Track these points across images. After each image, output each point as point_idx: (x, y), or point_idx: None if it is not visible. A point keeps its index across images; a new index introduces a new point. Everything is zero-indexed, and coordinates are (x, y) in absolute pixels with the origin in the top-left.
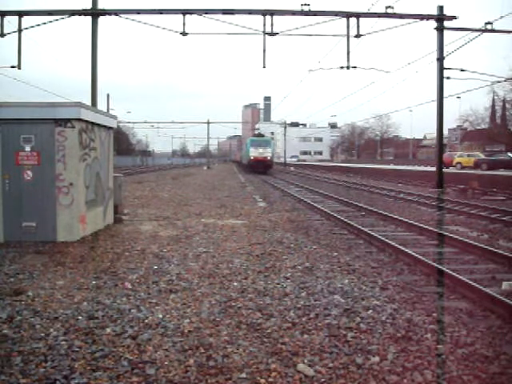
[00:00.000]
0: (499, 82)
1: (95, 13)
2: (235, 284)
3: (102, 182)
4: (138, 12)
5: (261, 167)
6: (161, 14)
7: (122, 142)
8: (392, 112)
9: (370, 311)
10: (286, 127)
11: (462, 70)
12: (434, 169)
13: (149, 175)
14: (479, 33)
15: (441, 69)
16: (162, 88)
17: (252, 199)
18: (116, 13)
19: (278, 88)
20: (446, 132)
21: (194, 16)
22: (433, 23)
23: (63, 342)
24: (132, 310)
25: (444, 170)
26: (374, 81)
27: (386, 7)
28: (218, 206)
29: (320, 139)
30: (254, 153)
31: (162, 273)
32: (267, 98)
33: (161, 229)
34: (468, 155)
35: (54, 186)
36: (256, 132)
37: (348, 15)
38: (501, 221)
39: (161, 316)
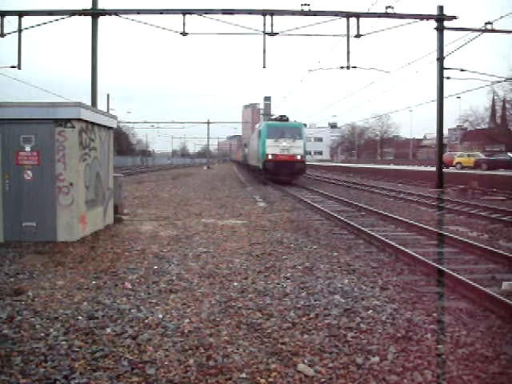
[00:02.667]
0: (499, 81)
1: (95, 13)
2: (235, 284)
3: (102, 181)
4: (138, 12)
5: (285, 173)
6: (161, 14)
7: (122, 141)
8: (392, 112)
9: (370, 311)
10: None
11: (462, 70)
12: (433, 169)
13: (149, 175)
14: (479, 33)
15: (441, 69)
16: (162, 88)
17: (252, 199)
18: (116, 13)
19: (278, 88)
20: (446, 132)
21: (194, 16)
22: (433, 23)
23: (63, 342)
24: (132, 310)
25: (444, 169)
26: (373, 81)
27: (386, 7)
28: (218, 206)
29: (320, 139)
30: (274, 148)
31: (162, 273)
32: (267, 98)
33: (161, 229)
34: (468, 155)
35: (54, 185)
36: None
37: (348, 15)
38: (501, 221)
39: (161, 316)
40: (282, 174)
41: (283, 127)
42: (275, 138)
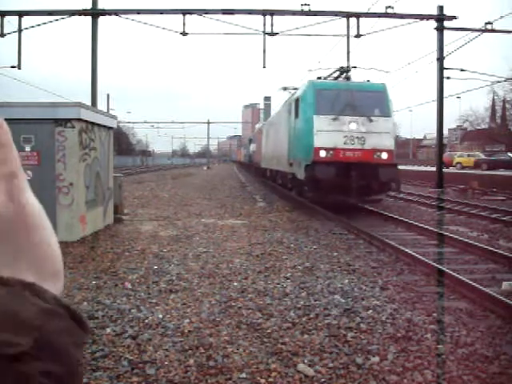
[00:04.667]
0: (499, 81)
1: (95, 13)
2: (235, 284)
3: (102, 181)
4: (138, 12)
5: (355, 186)
6: (161, 14)
7: (122, 141)
8: None
9: (370, 311)
10: None
11: (462, 70)
12: (433, 169)
13: (149, 175)
14: (479, 33)
15: (441, 69)
16: (162, 88)
17: (252, 199)
18: (116, 13)
19: (278, 88)
20: (446, 132)
21: (194, 16)
22: (433, 23)
23: None
24: (132, 310)
25: (444, 170)
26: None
27: (386, 7)
28: (218, 205)
29: None
30: (331, 136)
31: (162, 273)
32: (267, 98)
33: (161, 229)
34: (468, 155)
35: (54, 186)
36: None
37: (348, 15)
38: (501, 221)
39: (161, 316)
40: (349, 188)
41: (349, 90)
42: (334, 115)
